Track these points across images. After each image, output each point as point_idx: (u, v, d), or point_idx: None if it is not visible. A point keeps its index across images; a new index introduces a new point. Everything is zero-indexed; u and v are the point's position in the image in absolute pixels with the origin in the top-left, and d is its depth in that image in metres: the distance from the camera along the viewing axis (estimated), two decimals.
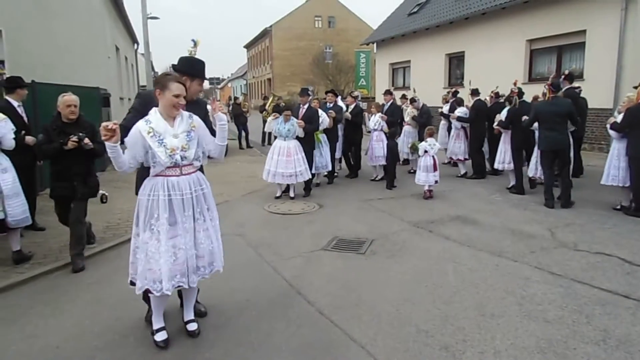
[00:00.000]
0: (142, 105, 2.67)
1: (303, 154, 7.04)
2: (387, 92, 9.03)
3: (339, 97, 9.43)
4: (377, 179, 8.65)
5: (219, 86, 73.45)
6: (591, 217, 5.79)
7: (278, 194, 7.26)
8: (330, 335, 3.01)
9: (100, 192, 6.93)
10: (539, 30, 13.08)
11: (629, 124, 5.75)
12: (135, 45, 22.93)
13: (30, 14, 9.69)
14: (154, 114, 2.72)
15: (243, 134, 14.58)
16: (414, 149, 7.55)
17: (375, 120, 8.54)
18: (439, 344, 2.88)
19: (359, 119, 8.80)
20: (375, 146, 8.49)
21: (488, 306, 3.39)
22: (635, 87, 6.08)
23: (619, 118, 5.96)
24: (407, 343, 2.90)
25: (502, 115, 7.59)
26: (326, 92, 9.00)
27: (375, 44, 23.26)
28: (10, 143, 4.32)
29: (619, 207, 6.06)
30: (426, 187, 7.13)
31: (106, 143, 2.49)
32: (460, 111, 9.00)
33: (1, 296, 3.69)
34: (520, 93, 7.33)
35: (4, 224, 4.31)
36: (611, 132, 6.07)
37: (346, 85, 32.11)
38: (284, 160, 6.91)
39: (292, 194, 7.21)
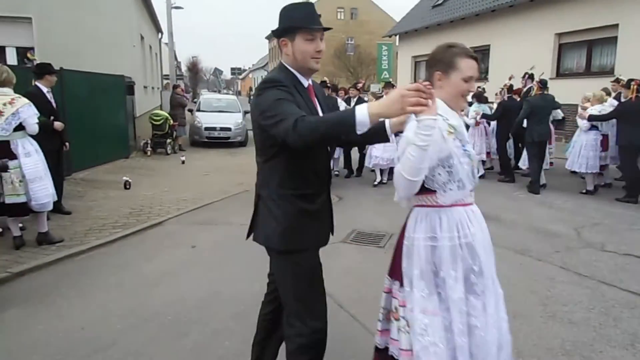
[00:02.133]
0: (290, 94, 1.78)
1: None
2: (390, 85, 8.44)
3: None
4: (377, 184, 7.67)
5: (240, 77, 73.79)
6: (620, 217, 5.62)
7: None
8: (351, 329, 3.00)
9: (124, 178, 7.08)
10: (568, 24, 12.67)
11: (619, 115, 6.38)
12: (159, 34, 23.11)
13: (59, 2, 9.87)
14: (443, 106, 1.74)
15: None
16: None
17: None
18: None
19: None
20: (383, 146, 7.22)
21: (511, 305, 3.29)
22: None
23: (590, 111, 6.72)
24: None
25: (471, 110, 8.10)
26: (320, 83, 7.87)
27: (398, 37, 22.95)
28: (33, 128, 4.27)
29: (584, 191, 6.89)
30: None
31: (422, 118, 1.49)
32: None
33: (29, 277, 3.80)
34: (510, 88, 8.06)
35: (27, 207, 4.42)
36: (584, 124, 6.82)
37: (367, 77, 31.84)
38: None
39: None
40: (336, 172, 8.39)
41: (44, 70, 5.29)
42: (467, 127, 8.20)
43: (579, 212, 5.87)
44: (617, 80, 7.67)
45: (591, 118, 6.61)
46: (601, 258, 4.26)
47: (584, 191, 6.90)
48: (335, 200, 6.59)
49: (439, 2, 19.77)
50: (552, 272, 3.93)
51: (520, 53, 14.00)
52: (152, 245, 4.64)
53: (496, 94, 8.54)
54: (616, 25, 11.27)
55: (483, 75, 16.21)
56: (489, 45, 15.99)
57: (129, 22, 11.51)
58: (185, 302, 3.35)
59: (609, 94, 7.65)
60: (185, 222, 5.45)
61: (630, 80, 6.53)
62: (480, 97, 8.40)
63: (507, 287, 3.57)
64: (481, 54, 16.87)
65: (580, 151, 6.84)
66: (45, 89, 5.24)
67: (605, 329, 2.97)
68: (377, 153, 7.47)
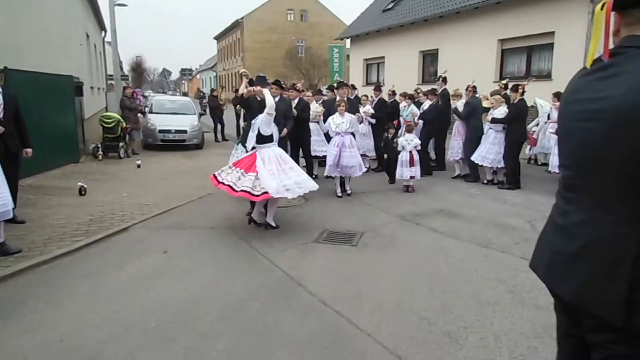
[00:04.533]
0: None
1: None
2: (342, 84, 7.92)
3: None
4: (341, 194, 7.04)
5: (190, 77, 71.69)
6: None
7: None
8: (337, 325, 3.08)
9: (79, 183, 6.74)
10: (509, 31, 13.53)
11: (514, 117, 7.30)
12: (103, 32, 22.05)
13: None
14: None
15: (219, 126, 14.39)
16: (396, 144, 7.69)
17: (347, 120, 6.85)
18: (441, 330, 3.00)
19: (305, 115, 7.65)
20: (345, 154, 6.73)
21: (482, 294, 3.54)
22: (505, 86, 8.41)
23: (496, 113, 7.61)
24: (411, 330, 3.00)
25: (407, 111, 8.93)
26: (272, 83, 6.73)
27: (349, 40, 23.37)
28: None
29: (485, 181, 7.88)
30: (404, 182, 7.37)
31: None
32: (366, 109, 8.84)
33: None
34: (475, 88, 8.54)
35: None
36: (493, 125, 7.65)
37: (319, 79, 32.14)
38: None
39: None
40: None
41: None
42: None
43: (529, 207, 6.31)
44: (506, 86, 8.67)
45: (494, 120, 7.54)
46: None
47: (485, 181, 7.89)
48: (302, 202, 6.64)
49: (389, 6, 20.36)
50: (515, 262, 4.22)
51: (467, 57, 14.76)
52: (121, 252, 4.47)
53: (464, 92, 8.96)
54: (552, 33, 12.19)
55: (433, 77, 16.90)
56: (437, 49, 16.70)
57: (74, 19, 10.92)
58: (166, 308, 3.28)
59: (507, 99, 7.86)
60: (152, 228, 5.29)
61: (517, 85, 7.53)
62: (413, 98, 9.36)
63: (476, 278, 3.84)
64: (430, 57, 17.59)
65: (492, 148, 7.67)
66: None
67: None
68: (344, 161, 6.76)
